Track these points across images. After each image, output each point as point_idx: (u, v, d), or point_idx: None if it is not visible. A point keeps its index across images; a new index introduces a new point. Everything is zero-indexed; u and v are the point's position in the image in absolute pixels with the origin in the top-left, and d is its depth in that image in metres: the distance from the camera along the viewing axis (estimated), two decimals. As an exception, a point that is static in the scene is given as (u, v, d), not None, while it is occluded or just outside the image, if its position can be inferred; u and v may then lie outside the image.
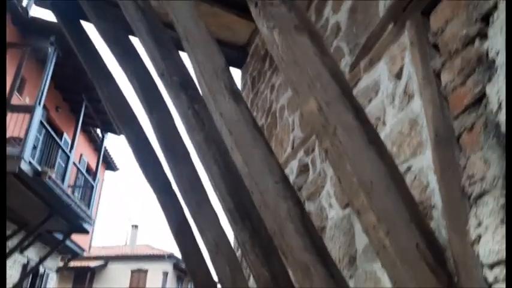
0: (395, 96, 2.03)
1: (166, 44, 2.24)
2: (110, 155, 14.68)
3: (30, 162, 7.47)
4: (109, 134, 12.95)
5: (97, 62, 2.96)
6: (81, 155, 12.34)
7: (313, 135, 2.84)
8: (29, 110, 7.84)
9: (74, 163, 9.84)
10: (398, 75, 2.00)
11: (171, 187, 2.89)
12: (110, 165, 15.51)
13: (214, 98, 1.69)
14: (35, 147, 8.60)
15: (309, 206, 2.89)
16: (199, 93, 2.02)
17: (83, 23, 3.21)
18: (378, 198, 1.29)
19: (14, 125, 8.18)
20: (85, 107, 10.63)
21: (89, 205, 10.81)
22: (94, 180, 11.54)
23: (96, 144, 13.18)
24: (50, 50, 8.31)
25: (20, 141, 7.60)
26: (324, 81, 1.40)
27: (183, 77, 2.07)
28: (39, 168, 7.77)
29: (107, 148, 13.85)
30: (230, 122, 1.64)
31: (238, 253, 3.27)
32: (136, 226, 27.02)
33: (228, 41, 4.39)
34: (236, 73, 4.82)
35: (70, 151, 9.68)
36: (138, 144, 2.91)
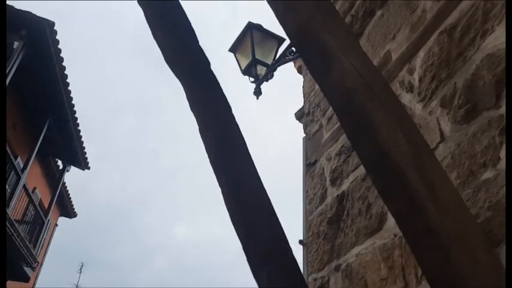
0: None
1: None
2: (68, 196, 12.75)
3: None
4: (72, 168, 11.27)
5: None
6: (34, 188, 10.48)
7: None
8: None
9: (25, 186, 8.13)
10: None
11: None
12: (66, 210, 13.47)
13: None
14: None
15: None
16: None
17: None
18: None
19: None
20: (48, 128, 9.09)
21: (35, 244, 8.88)
22: (46, 217, 9.71)
23: (54, 180, 11.36)
24: (18, 45, 7.06)
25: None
26: None
27: None
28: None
29: (66, 185, 12.04)
30: None
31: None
32: (84, 292, 23.69)
33: None
34: None
35: (22, 172, 8.02)
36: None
